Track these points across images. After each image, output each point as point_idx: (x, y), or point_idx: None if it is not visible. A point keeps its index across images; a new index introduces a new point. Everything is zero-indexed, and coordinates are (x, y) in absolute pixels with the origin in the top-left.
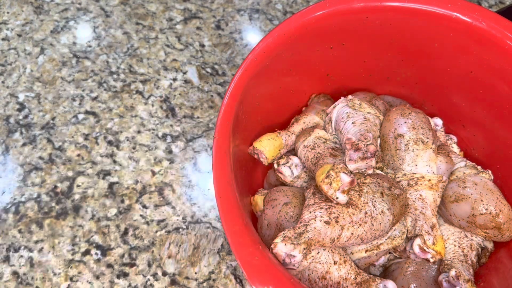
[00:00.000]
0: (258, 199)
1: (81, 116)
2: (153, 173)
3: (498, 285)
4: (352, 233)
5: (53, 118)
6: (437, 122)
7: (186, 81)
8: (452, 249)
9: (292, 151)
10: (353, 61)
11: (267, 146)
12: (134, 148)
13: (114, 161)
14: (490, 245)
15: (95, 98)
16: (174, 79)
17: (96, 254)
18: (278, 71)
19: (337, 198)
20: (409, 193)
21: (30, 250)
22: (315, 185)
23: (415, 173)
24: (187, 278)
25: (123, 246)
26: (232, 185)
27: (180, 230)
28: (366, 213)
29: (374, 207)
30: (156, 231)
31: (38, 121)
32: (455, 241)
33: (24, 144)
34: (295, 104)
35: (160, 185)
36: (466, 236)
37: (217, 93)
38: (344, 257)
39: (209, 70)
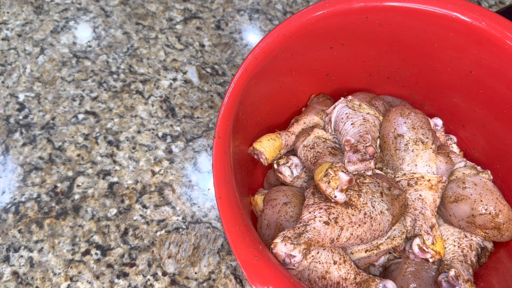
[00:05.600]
0: (258, 199)
1: (81, 116)
2: (153, 173)
3: (498, 285)
4: (352, 234)
5: (53, 118)
6: (437, 122)
7: (186, 81)
8: (451, 249)
9: (292, 151)
10: (353, 61)
11: (267, 147)
12: (134, 148)
13: (114, 161)
14: (489, 245)
15: (95, 98)
16: (174, 79)
17: (96, 254)
18: (278, 71)
19: (335, 197)
20: (408, 193)
21: (30, 250)
22: (314, 184)
23: (415, 173)
24: (187, 278)
25: (123, 246)
26: (232, 185)
27: (180, 230)
28: (365, 213)
29: (373, 207)
30: (156, 231)
31: (38, 121)
32: (454, 241)
33: (24, 144)
34: (295, 104)
35: (160, 185)
36: (466, 236)
37: (217, 93)
38: (343, 257)
39: (209, 70)
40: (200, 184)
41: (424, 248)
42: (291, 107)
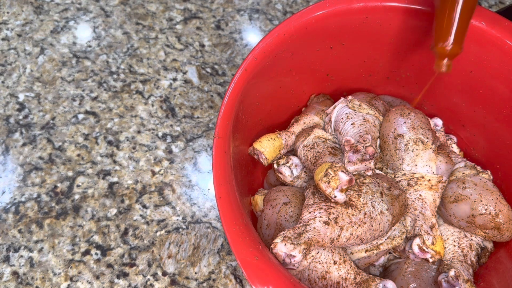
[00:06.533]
0: (258, 199)
1: (81, 116)
2: (153, 173)
3: (498, 285)
4: (352, 234)
5: (53, 118)
6: (437, 122)
7: (186, 81)
8: (451, 249)
9: (292, 152)
10: (353, 61)
11: (267, 147)
12: (134, 148)
13: (114, 161)
14: (489, 245)
15: (95, 98)
16: (174, 79)
17: (96, 254)
18: (278, 71)
19: (335, 197)
20: (408, 193)
21: (30, 250)
22: (314, 184)
23: (415, 173)
24: (187, 278)
25: (123, 246)
26: (232, 185)
27: (180, 230)
28: (365, 213)
29: (373, 207)
30: (156, 231)
31: (38, 121)
32: (454, 241)
33: (24, 144)
34: (295, 104)
35: (160, 185)
36: (466, 236)
37: (217, 93)
38: (343, 257)
39: (209, 70)
40: (200, 184)
41: (424, 248)
42: (291, 107)
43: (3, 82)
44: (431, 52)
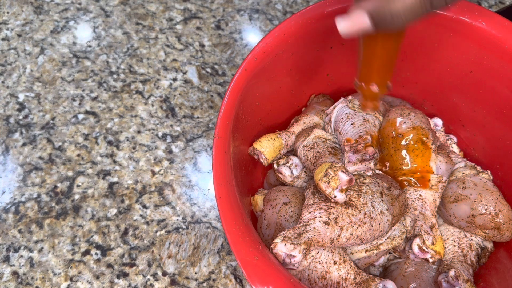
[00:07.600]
0: (258, 199)
1: (81, 116)
2: (153, 173)
3: (498, 285)
4: (352, 234)
5: (53, 118)
6: (437, 122)
7: (186, 81)
8: (451, 249)
9: (292, 151)
10: (353, 61)
11: (267, 147)
12: (134, 148)
13: (114, 161)
14: (489, 245)
15: (95, 98)
16: (174, 79)
17: (96, 254)
18: (278, 71)
19: (335, 197)
20: (408, 193)
21: (30, 250)
22: (314, 184)
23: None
24: (187, 278)
25: (123, 246)
26: (232, 185)
27: (180, 230)
28: (365, 213)
29: (373, 207)
30: (156, 231)
31: (38, 121)
32: (454, 241)
33: (24, 144)
34: (295, 104)
35: (160, 185)
36: (466, 236)
37: (217, 93)
38: (343, 257)
39: (209, 70)
40: (200, 184)
41: (424, 248)
42: (291, 107)
43: (3, 82)
44: (355, 87)
